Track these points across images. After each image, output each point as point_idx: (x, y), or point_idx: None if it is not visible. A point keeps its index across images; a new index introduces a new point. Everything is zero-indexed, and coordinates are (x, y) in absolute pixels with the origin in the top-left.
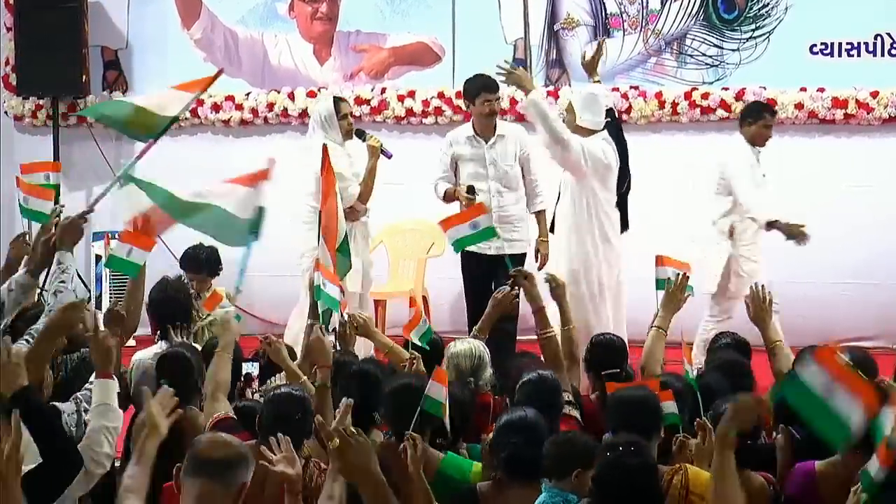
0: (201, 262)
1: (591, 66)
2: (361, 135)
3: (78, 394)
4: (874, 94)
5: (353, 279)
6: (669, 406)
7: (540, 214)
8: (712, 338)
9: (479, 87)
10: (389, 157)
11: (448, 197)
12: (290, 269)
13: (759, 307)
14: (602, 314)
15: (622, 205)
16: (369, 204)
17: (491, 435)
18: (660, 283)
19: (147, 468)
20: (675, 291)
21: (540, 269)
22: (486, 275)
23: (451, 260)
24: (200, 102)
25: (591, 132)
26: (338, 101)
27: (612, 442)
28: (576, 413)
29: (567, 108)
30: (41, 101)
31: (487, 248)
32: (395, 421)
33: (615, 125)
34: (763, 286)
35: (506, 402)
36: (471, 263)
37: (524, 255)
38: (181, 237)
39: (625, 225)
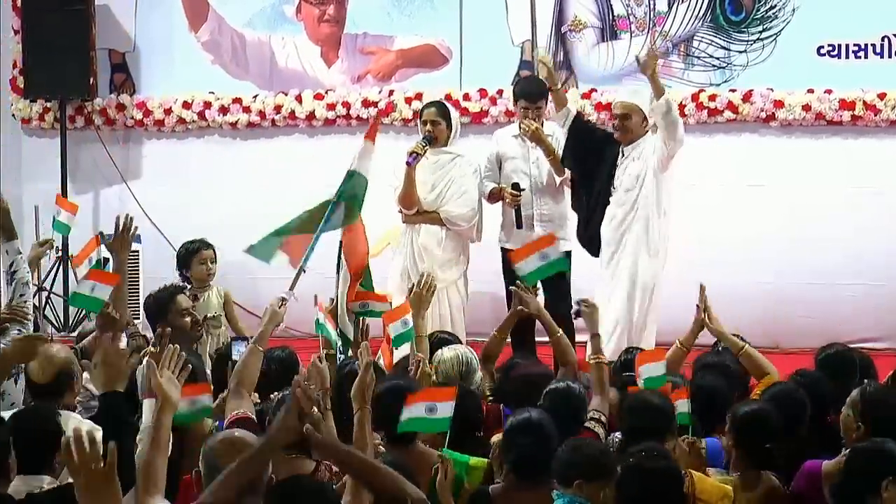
0: (190, 253)
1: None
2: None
3: None
4: (882, 96)
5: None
6: (682, 405)
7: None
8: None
9: (519, 94)
10: (408, 163)
11: (493, 196)
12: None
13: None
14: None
15: None
16: None
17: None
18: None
19: (164, 441)
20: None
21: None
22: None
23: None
24: (208, 105)
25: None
26: (424, 107)
27: (638, 448)
28: (600, 431)
29: (634, 111)
30: (49, 104)
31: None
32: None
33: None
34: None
35: (501, 407)
36: (507, 261)
37: (569, 252)
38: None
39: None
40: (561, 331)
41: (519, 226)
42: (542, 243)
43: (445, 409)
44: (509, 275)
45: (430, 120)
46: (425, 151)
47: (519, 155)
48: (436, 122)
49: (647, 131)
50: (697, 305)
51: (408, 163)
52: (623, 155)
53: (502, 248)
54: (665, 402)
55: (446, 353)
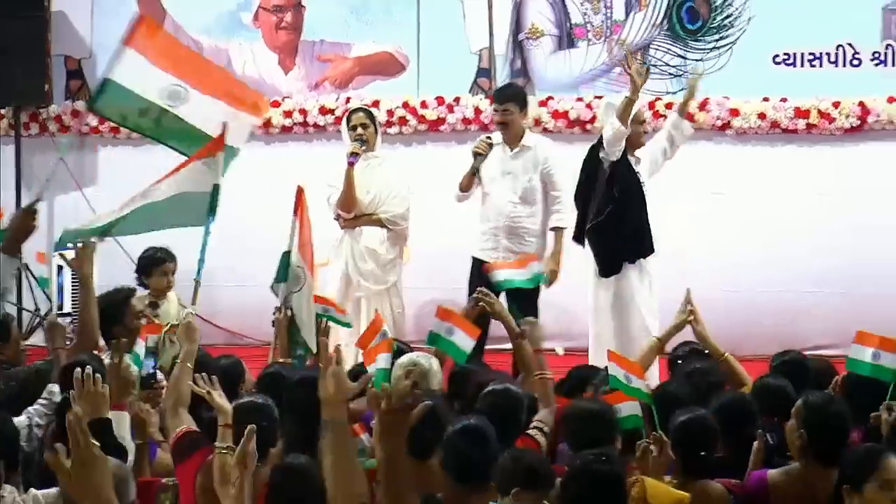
0: (153, 262)
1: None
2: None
3: (30, 408)
4: (836, 104)
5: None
6: (631, 408)
7: (557, 232)
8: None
9: (493, 96)
10: (351, 163)
11: (464, 184)
12: (253, 280)
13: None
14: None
15: None
16: None
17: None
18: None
19: None
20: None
21: (548, 285)
22: (490, 284)
23: (416, 270)
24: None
25: None
26: (352, 113)
27: (586, 452)
28: (542, 440)
29: (640, 119)
30: (3, 111)
31: (496, 257)
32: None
33: None
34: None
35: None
36: (475, 271)
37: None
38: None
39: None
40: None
41: (473, 172)
42: (523, 262)
43: (465, 341)
44: (475, 284)
45: (360, 123)
46: (363, 151)
47: (497, 163)
48: (366, 124)
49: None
50: (682, 310)
51: (350, 163)
52: (634, 162)
53: (475, 259)
54: (607, 409)
55: (400, 360)
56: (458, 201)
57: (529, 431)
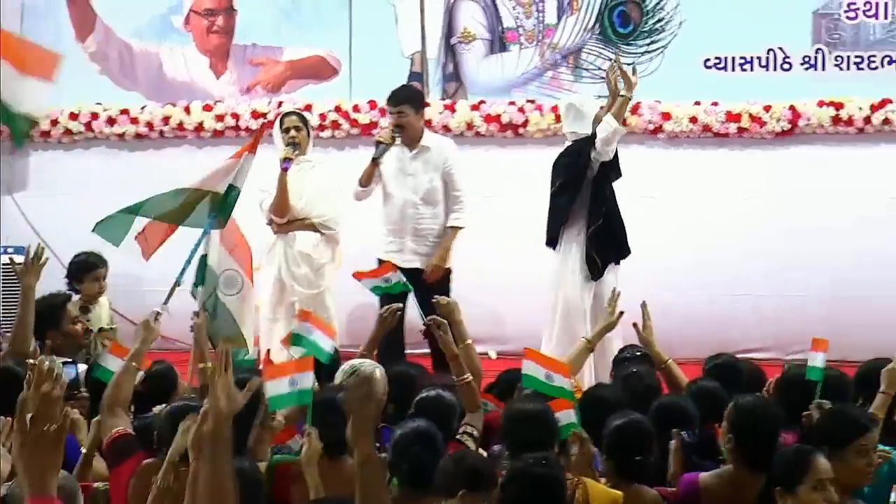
0: (86, 268)
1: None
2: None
3: None
4: (767, 108)
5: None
6: (568, 416)
7: (451, 230)
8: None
9: (388, 98)
10: (285, 168)
11: (362, 178)
12: (184, 284)
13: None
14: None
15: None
16: None
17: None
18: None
19: None
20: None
21: (428, 281)
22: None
23: (347, 273)
24: (95, 116)
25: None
26: (284, 116)
27: (526, 455)
28: (471, 444)
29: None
30: None
31: (401, 261)
32: None
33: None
34: (644, 305)
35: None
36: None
37: (447, 269)
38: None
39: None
40: (471, 340)
41: (375, 163)
42: (383, 270)
43: (306, 380)
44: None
45: (293, 126)
46: (295, 155)
47: (397, 165)
48: (298, 127)
49: None
50: (610, 310)
51: (284, 168)
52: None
53: (380, 261)
54: (547, 411)
55: (343, 365)
56: (356, 199)
57: (459, 437)
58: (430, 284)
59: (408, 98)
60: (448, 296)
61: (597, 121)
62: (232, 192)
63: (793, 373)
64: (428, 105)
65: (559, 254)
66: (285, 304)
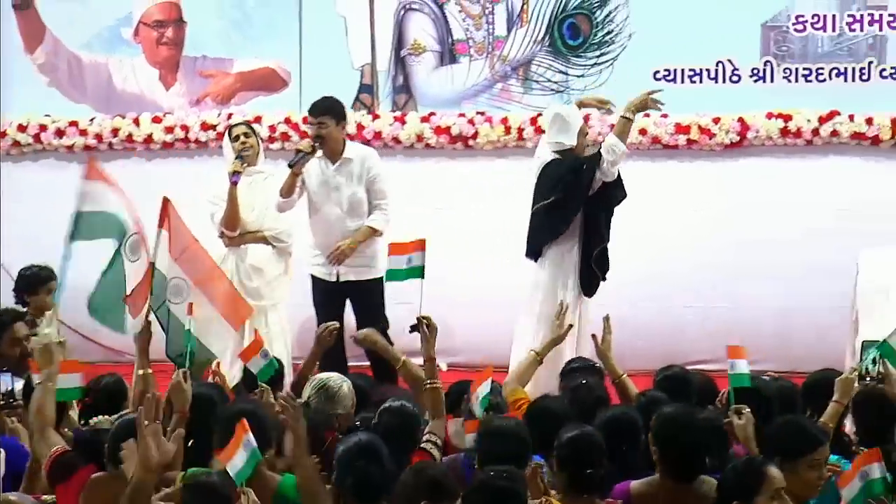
0: (39, 281)
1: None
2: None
3: None
4: (716, 120)
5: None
6: (485, 387)
7: (367, 228)
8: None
9: (308, 110)
10: (234, 182)
11: (283, 188)
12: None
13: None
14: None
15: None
16: None
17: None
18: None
19: None
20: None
21: (329, 258)
22: (332, 301)
23: (296, 286)
24: (44, 128)
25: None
26: (232, 126)
27: (488, 468)
28: (436, 453)
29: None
30: None
31: (329, 274)
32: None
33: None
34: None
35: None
36: (317, 288)
37: (377, 280)
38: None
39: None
40: (404, 357)
41: (295, 172)
42: (415, 245)
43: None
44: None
45: (242, 133)
46: (244, 168)
47: (321, 178)
48: (248, 134)
49: None
50: (558, 322)
51: (233, 182)
52: None
53: (313, 277)
54: (522, 428)
55: (314, 379)
56: (279, 210)
57: (424, 445)
58: (365, 295)
59: (329, 109)
60: (381, 304)
61: (581, 133)
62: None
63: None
64: (378, 116)
65: (544, 267)
66: None
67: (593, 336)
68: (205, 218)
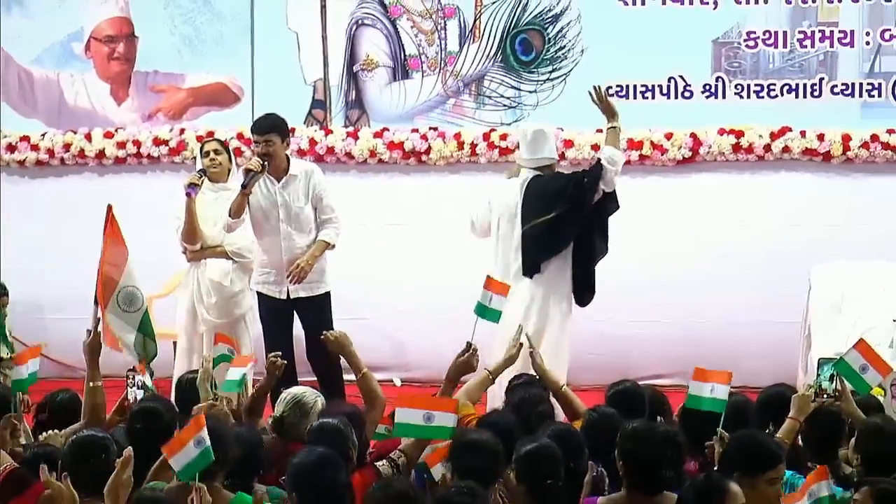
0: None
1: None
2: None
3: None
4: (668, 136)
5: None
6: (448, 418)
7: (322, 242)
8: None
9: (252, 128)
10: (189, 195)
11: (233, 209)
12: (86, 310)
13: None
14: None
15: (525, 247)
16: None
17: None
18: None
19: None
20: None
21: (289, 277)
22: (281, 318)
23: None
24: None
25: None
26: (206, 142)
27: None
28: (387, 471)
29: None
30: None
31: (278, 291)
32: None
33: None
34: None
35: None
36: (265, 306)
37: (325, 295)
38: None
39: (531, 269)
40: (367, 369)
41: (245, 193)
42: (497, 287)
43: (446, 419)
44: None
45: (213, 150)
46: (202, 182)
47: (266, 197)
48: (218, 150)
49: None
50: (513, 344)
51: (188, 194)
52: None
53: (260, 294)
54: (491, 441)
55: (286, 394)
56: (228, 230)
57: (380, 462)
58: (316, 311)
59: (274, 126)
60: (331, 319)
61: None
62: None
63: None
64: (331, 132)
65: (540, 283)
66: (198, 333)
67: (531, 352)
68: (159, 232)
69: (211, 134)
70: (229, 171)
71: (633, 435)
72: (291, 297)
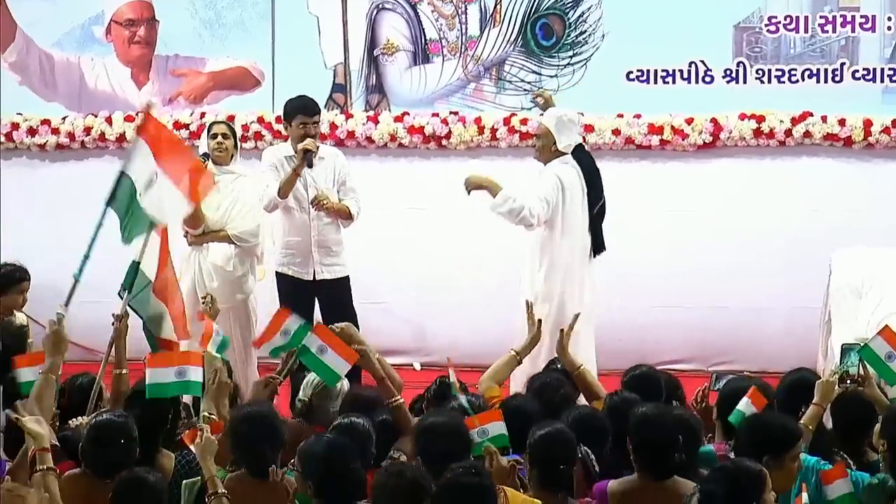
0: (11, 281)
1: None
2: None
3: None
4: (689, 121)
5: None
6: (499, 427)
7: (344, 206)
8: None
9: (296, 109)
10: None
11: (283, 189)
12: (108, 294)
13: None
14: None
15: (595, 227)
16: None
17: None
18: None
19: None
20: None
21: (313, 203)
22: (303, 299)
23: (274, 286)
24: (16, 126)
25: (562, 154)
26: (213, 123)
27: (457, 465)
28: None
29: (543, 133)
30: None
31: (305, 273)
32: None
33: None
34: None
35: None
36: (285, 288)
37: (346, 278)
38: None
39: (599, 247)
40: (378, 355)
41: (310, 165)
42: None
43: (195, 373)
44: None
45: (221, 133)
46: (205, 167)
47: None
48: (226, 135)
49: (562, 154)
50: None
51: None
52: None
53: (284, 275)
54: (457, 423)
55: (311, 377)
56: (269, 210)
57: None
58: (337, 293)
59: (320, 109)
60: (352, 303)
61: None
62: (122, 179)
63: (730, 386)
64: (351, 116)
65: (593, 264)
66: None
67: (561, 331)
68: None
69: (231, 118)
70: (232, 155)
71: (644, 419)
72: (318, 278)
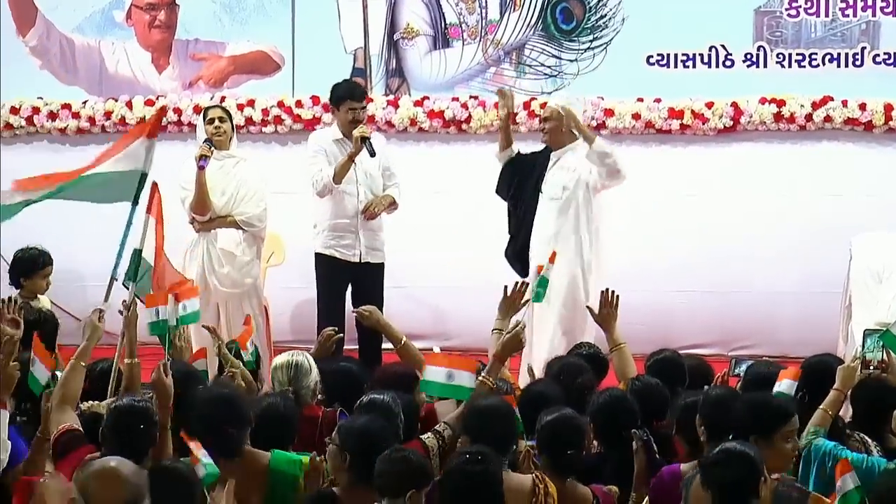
0: (36, 265)
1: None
2: None
3: None
4: (709, 105)
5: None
6: (467, 378)
7: (390, 196)
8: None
9: (344, 95)
10: (202, 167)
11: (338, 174)
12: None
13: (605, 309)
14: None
15: None
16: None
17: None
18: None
19: None
20: (513, 296)
21: (364, 212)
22: (340, 281)
23: (292, 269)
24: (36, 110)
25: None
26: (208, 108)
27: (462, 450)
28: (432, 443)
29: (555, 116)
30: None
31: (352, 254)
32: None
33: None
34: (612, 290)
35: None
36: (325, 269)
37: (383, 265)
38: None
39: None
40: (405, 338)
41: (372, 154)
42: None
43: (465, 378)
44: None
45: (217, 117)
46: (212, 153)
47: (338, 159)
48: (222, 118)
49: (576, 139)
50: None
51: (201, 167)
52: (552, 162)
53: (327, 256)
54: (506, 407)
55: (278, 358)
56: (321, 196)
57: (426, 435)
58: (372, 278)
59: (366, 94)
60: (382, 290)
61: None
62: (142, 179)
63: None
64: (371, 100)
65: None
66: (211, 304)
67: (588, 307)
68: (176, 203)
69: (252, 103)
70: (231, 138)
71: (717, 401)
72: (363, 260)
